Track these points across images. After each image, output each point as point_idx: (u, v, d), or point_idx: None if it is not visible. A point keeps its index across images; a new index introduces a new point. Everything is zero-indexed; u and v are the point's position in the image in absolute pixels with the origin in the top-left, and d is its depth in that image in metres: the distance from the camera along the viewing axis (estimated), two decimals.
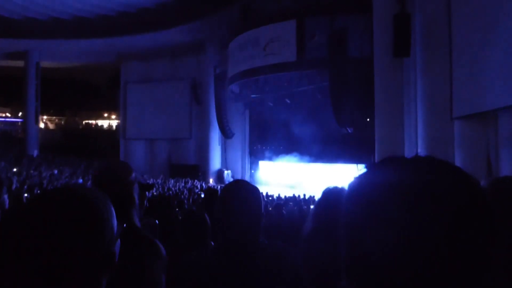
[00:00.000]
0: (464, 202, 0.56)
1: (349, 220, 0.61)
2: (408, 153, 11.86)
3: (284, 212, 7.01)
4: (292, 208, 8.57)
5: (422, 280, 0.55)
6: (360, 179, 0.64)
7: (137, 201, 1.67)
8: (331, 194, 2.08)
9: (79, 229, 0.79)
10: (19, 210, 0.83)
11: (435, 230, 0.54)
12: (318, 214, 2.10)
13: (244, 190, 1.61)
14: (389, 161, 0.63)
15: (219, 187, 14.61)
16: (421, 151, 10.27)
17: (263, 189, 14.24)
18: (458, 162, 9.21)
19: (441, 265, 0.54)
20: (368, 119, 15.52)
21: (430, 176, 0.58)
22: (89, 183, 16.60)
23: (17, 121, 39.41)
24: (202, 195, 11.89)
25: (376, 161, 0.64)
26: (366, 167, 0.66)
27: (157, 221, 3.55)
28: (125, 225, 1.53)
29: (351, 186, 0.64)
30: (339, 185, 1.89)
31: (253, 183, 1.73)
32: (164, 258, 1.54)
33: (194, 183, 19.41)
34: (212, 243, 2.83)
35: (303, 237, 2.16)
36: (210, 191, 5.31)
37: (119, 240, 0.88)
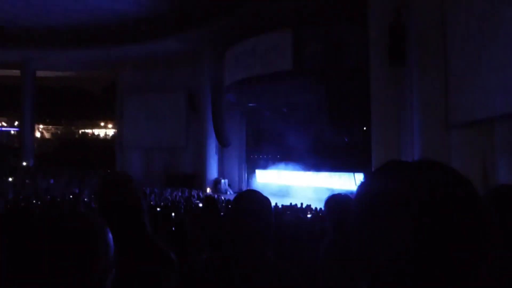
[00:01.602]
0: (463, 203, 0.59)
1: (359, 224, 0.62)
2: None
3: (284, 221, 6.99)
4: (290, 217, 8.55)
5: (429, 280, 0.56)
6: (367, 185, 0.64)
7: (145, 208, 1.66)
8: (339, 203, 2.08)
9: (68, 262, 0.80)
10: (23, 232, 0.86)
11: (439, 232, 0.56)
12: (334, 223, 2.11)
13: (256, 201, 1.58)
14: (392, 166, 0.64)
15: (216, 196, 14.55)
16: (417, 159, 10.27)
17: None
18: None
19: (446, 264, 0.56)
20: (364, 128, 15.56)
21: (435, 180, 0.60)
22: (86, 192, 16.52)
23: (13, 130, 39.28)
24: (200, 205, 11.85)
25: (376, 167, 0.65)
26: (369, 172, 0.66)
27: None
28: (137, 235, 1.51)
29: (359, 192, 0.64)
30: (343, 193, 1.90)
31: None
32: (177, 269, 1.53)
33: (191, 192, 19.33)
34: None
35: (324, 247, 2.18)
36: (208, 199, 5.30)
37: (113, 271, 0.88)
